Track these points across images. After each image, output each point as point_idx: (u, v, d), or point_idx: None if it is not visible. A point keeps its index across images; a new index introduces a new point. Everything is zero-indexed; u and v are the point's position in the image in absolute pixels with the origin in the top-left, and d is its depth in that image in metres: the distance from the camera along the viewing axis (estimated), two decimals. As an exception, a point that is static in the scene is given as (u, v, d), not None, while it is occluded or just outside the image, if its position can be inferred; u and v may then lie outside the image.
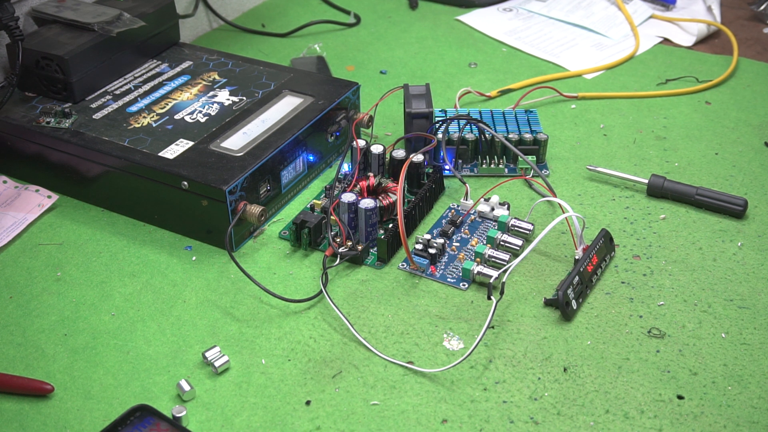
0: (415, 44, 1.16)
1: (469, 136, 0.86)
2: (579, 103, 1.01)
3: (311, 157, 0.85)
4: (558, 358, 0.66)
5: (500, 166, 0.87)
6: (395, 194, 0.79)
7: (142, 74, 0.92)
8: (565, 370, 0.65)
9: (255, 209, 0.76)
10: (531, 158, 0.86)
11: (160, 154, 0.78)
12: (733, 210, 0.80)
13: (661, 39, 1.17)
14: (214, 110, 0.85)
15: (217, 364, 0.64)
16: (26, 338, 0.68)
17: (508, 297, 0.71)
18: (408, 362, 0.65)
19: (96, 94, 0.88)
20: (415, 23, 1.22)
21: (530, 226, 0.78)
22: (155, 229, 0.80)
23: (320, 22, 1.20)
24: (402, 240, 0.72)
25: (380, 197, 0.79)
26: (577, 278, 0.70)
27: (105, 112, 0.85)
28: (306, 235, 0.76)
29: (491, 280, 0.71)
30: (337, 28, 1.20)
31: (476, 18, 1.23)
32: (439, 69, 1.10)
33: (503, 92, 1.03)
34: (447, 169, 0.86)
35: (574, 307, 0.69)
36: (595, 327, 0.69)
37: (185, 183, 0.75)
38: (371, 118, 0.91)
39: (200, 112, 0.85)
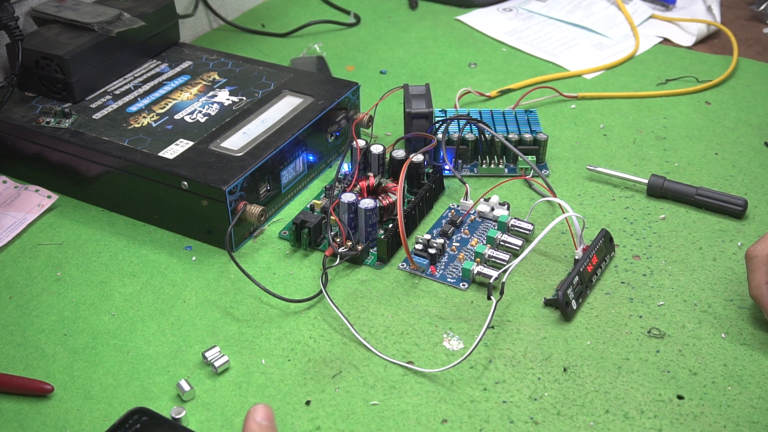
0: (415, 44, 1.16)
1: (469, 136, 0.86)
2: (579, 103, 1.01)
3: (311, 157, 0.85)
4: (558, 358, 0.66)
5: (500, 166, 0.87)
6: (395, 194, 0.79)
7: (142, 74, 0.92)
8: (565, 370, 0.65)
9: (255, 209, 0.76)
10: (531, 158, 0.86)
11: (160, 154, 0.78)
12: (733, 210, 0.80)
13: (661, 39, 1.17)
14: (214, 110, 0.85)
15: (217, 364, 0.64)
16: (26, 338, 0.68)
17: (508, 297, 0.71)
18: (408, 362, 0.65)
19: (96, 94, 0.88)
20: (415, 23, 1.22)
21: (530, 226, 0.78)
22: (155, 229, 0.80)
23: (320, 22, 1.20)
24: (402, 240, 0.72)
25: (380, 197, 0.79)
26: (577, 278, 0.70)
27: (105, 112, 0.85)
28: (306, 235, 0.76)
29: (491, 280, 0.71)
30: (337, 28, 1.20)
31: (476, 18, 1.23)
32: (439, 69, 1.10)
33: (503, 92, 1.03)
34: (447, 169, 0.86)
35: (574, 307, 0.69)
36: (595, 327, 0.69)
37: (185, 183, 0.75)
38: (371, 118, 0.91)
39: (200, 112, 0.85)
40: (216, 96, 0.88)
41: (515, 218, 0.78)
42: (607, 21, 1.20)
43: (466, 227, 0.79)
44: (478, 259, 0.74)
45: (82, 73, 0.86)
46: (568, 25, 1.21)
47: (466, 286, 0.73)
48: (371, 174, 0.81)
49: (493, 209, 0.80)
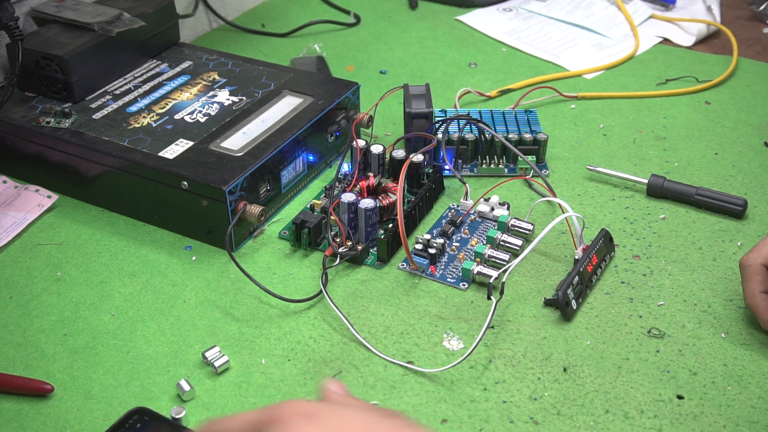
0: (415, 44, 1.16)
1: (469, 136, 0.86)
2: (579, 103, 1.01)
3: (311, 157, 0.85)
4: (558, 358, 0.66)
5: (500, 166, 0.87)
6: (395, 194, 0.79)
7: (142, 74, 0.92)
8: (565, 370, 0.65)
9: (255, 209, 0.76)
10: (531, 158, 0.86)
11: (160, 154, 0.78)
12: (733, 210, 0.80)
13: (661, 39, 1.17)
14: (214, 110, 0.85)
15: (217, 364, 0.64)
16: (26, 338, 0.68)
17: (508, 297, 0.71)
18: (408, 362, 0.65)
19: (96, 94, 0.88)
20: (415, 23, 1.22)
21: (530, 226, 0.78)
22: (155, 229, 0.80)
23: (320, 22, 1.20)
24: (402, 240, 0.72)
25: (380, 197, 0.79)
26: (576, 278, 0.70)
27: (105, 112, 0.85)
28: (306, 235, 0.76)
29: (491, 280, 0.71)
30: (337, 28, 1.20)
31: (476, 18, 1.23)
32: (439, 69, 1.10)
33: (503, 92, 1.03)
34: (447, 169, 0.86)
35: (574, 307, 0.69)
36: (595, 327, 0.69)
37: (185, 183, 0.75)
38: (371, 118, 0.91)
39: (200, 112, 0.85)
40: (216, 96, 0.88)
41: (515, 218, 0.78)
42: (607, 21, 1.20)
43: (466, 227, 0.79)
44: (478, 259, 0.74)
45: (82, 73, 0.86)
46: (568, 25, 1.21)
47: (466, 286, 0.73)
48: (371, 174, 0.81)
49: (493, 209, 0.80)
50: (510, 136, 0.87)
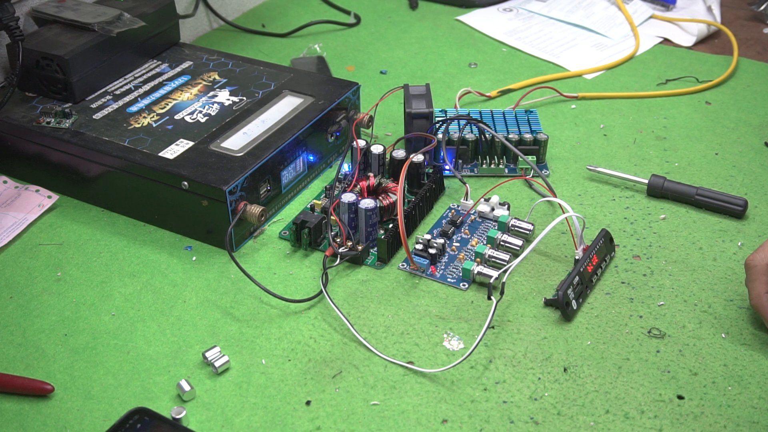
0: (415, 44, 1.16)
1: (469, 136, 0.86)
2: (579, 103, 1.01)
3: (311, 157, 0.85)
4: (558, 358, 0.66)
5: (500, 166, 0.87)
6: (395, 194, 0.79)
7: (142, 74, 0.92)
8: (565, 370, 0.65)
9: (255, 209, 0.76)
10: (531, 158, 0.86)
11: (160, 154, 0.78)
12: (733, 210, 0.80)
13: (661, 39, 1.17)
14: (214, 110, 0.85)
15: (217, 364, 0.64)
16: (26, 338, 0.68)
17: (508, 297, 0.71)
18: (408, 362, 0.65)
19: (96, 94, 0.88)
20: (415, 23, 1.22)
21: (530, 226, 0.78)
22: (155, 229, 0.80)
23: (320, 22, 1.20)
24: (402, 240, 0.72)
25: (380, 197, 0.79)
26: (577, 278, 0.70)
27: (105, 112, 0.85)
28: (306, 235, 0.76)
29: (491, 280, 0.71)
30: (337, 28, 1.20)
31: (476, 18, 1.23)
32: (439, 69, 1.10)
33: (503, 92, 1.03)
34: (447, 169, 0.86)
35: (574, 307, 0.69)
36: (595, 327, 0.69)
37: (185, 183, 0.75)
38: (371, 118, 0.91)
39: (200, 112, 0.85)
40: (216, 96, 0.88)
41: (515, 218, 0.78)
42: (608, 21, 1.20)
43: (467, 227, 0.79)
44: (478, 259, 0.74)
45: (82, 73, 0.86)
46: (568, 25, 1.21)
47: (467, 286, 0.73)
48: (371, 174, 0.81)
49: (493, 209, 0.80)
50: (510, 136, 0.87)
